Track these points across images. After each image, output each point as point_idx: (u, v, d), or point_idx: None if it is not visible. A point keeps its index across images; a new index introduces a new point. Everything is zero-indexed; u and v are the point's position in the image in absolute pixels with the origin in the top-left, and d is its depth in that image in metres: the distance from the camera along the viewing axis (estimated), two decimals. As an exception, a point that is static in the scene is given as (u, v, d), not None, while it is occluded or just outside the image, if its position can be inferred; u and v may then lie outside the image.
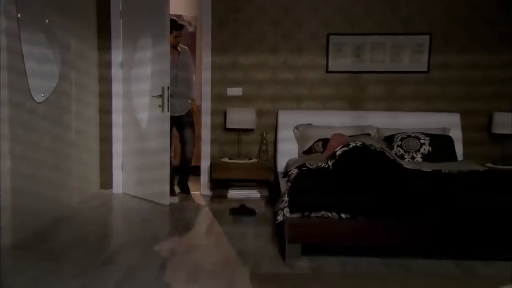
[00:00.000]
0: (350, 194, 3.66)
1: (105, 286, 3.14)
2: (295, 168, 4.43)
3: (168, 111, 5.12)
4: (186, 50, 5.77)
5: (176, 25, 5.45)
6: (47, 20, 4.29)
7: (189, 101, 5.78)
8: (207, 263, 3.62)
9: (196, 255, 3.80)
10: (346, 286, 3.22)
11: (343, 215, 3.62)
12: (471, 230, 3.59)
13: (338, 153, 4.33)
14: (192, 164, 6.36)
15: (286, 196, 3.72)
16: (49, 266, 3.46)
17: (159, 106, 5.13)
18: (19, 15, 3.88)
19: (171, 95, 5.19)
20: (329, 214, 3.62)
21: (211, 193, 5.87)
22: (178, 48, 5.59)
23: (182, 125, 5.70)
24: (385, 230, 3.62)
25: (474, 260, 3.68)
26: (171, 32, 5.20)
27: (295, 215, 3.64)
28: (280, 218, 3.68)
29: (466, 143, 5.56)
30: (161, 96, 5.10)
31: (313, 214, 3.64)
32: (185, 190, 5.85)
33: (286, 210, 3.65)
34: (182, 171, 5.90)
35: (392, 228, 3.61)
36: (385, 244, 3.70)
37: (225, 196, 5.67)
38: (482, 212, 3.58)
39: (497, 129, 5.47)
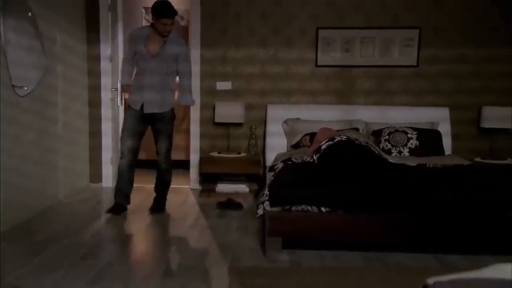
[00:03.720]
0: (329, 188, 3.65)
1: (82, 280, 3.13)
2: (281, 162, 4.42)
3: (121, 105, 5.03)
4: (179, 41, 4.68)
5: (163, 11, 4.48)
6: (30, 13, 4.27)
7: (169, 98, 4.71)
8: (187, 256, 3.62)
9: (176, 249, 3.80)
10: (325, 280, 3.21)
11: (322, 209, 3.61)
12: (452, 224, 3.57)
13: (323, 147, 4.31)
14: (184, 158, 6.37)
15: (267, 189, 3.72)
16: (28, 260, 3.45)
17: (115, 99, 5.13)
18: None
19: (139, 89, 4.63)
20: (309, 208, 3.61)
21: (200, 187, 5.87)
22: (165, 38, 4.60)
23: (155, 124, 4.73)
24: (365, 224, 3.60)
25: (454, 254, 3.66)
26: (158, 19, 4.46)
27: (275, 209, 3.64)
28: (260, 211, 3.68)
29: (455, 137, 5.55)
30: (116, 89, 5.10)
31: (293, 208, 3.63)
32: (159, 208, 4.87)
33: (267, 203, 3.64)
34: (157, 183, 4.97)
35: (372, 222, 3.60)
36: (365, 238, 3.67)
37: (214, 190, 5.67)
38: (463, 206, 3.56)
39: (486, 124, 5.45)
